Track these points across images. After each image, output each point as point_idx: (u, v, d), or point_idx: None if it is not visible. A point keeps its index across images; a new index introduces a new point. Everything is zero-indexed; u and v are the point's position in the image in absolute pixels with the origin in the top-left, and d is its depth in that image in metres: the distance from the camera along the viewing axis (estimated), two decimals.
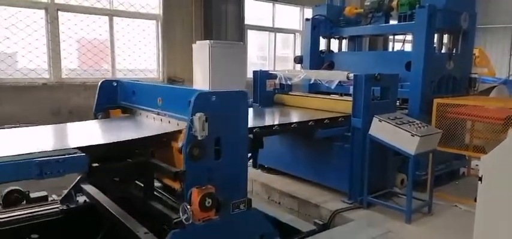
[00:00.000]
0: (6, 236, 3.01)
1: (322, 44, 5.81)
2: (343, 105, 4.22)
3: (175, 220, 2.42)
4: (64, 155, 2.09)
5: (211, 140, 2.47)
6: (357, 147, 3.88)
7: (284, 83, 4.91)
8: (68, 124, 3.35)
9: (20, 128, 3.16)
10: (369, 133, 3.74)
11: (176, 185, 2.56)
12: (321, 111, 4.30)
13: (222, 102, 2.54)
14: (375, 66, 4.48)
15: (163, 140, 2.67)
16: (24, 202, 3.48)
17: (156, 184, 2.99)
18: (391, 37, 5.99)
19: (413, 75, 4.42)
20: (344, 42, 5.87)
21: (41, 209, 3.31)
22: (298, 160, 4.56)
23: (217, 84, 7.22)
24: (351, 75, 3.94)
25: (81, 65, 7.29)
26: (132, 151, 2.69)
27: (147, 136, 2.69)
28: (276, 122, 3.88)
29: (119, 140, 2.56)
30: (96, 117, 3.46)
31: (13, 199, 3.45)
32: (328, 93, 5.09)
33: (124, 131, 2.99)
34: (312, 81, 4.86)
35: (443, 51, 5.09)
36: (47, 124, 3.35)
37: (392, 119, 3.68)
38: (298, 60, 5.96)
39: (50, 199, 3.67)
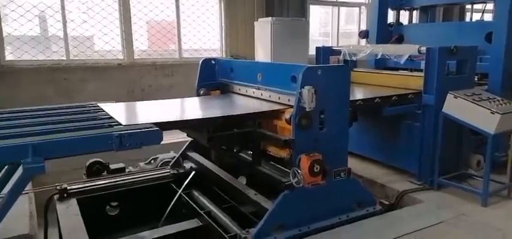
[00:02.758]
0: (89, 204, 3.32)
1: (391, 16, 5.51)
2: (413, 81, 4.00)
3: (286, 183, 2.62)
4: (141, 128, 2.24)
5: (316, 111, 2.66)
6: (428, 125, 3.66)
7: (348, 59, 4.74)
8: (188, 98, 3.75)
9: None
10: (443, 110, 3.51)
11: (283, 153, 2.79)
12: (389, 87, 4.12)
13: (327, 76, 2.70)
14: (450, 39, 4.15)
15: (271, 112, 2.94)
16: (105, 172, 3.84)
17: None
18: (468, 7, 5.52)
19: (495, 48, 4.04)
20: (415, 13, 5.51)
21: (120, 179, 3.62)
22: (363, 139, 4.43)
23: (278, 61, 7.22)
24: (423, 48, 3.69)
25: (151, 46, 7.69)
26: (243, 122, 2.99)
27: (265, 110, 2.99)
28: None
29: (242, 113, 2.95)
30: (198, 94, 3.80)
31: (95, 170, 3.82)
32: (397, 69, 4.84)
33: (234, 107, 3.35)
34: (378, 57, 4.63)
35: None
36: (123, 101, 3.62)
37: (469, 96, 3.41)
38: (364, 34, 5.71)
39: (127, 170, 4.00)
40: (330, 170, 2.71)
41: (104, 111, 2.85)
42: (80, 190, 3.38)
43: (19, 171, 2.01)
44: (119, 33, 7.16)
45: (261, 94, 3.31)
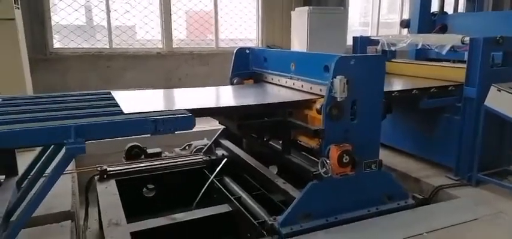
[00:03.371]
0: (127, 185, 3.50)
1: (435, 5, 5.28)
2: (454, 72, 3.82)
3: (314, 173, 2.64)
4: (175, 114, 2.32)
5: (348, 102, 2.63)
6: (468, 119, 3.50)
7: (387, 49, 4.61)
8: (221, 87, 3.80)
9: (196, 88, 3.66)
10: (485, 103, 3.34)
11: (313, 143, 2.79)
12: (428, 79, 3.97)
13: (360, 66, 2.65)
14: (499, 29, 3.89)
15: (302, 102, 2.94)
16: (143, 156, 4.01)
17: None
18: None
19: None
20: (461, 2, 5.24)
21: (157, 163, 3.77)
22: (398, 131, 4.31)
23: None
24: (467, 39, 3.51)
25: (189, 35, 7.86)
26: (274, 111, 3.04)
27: (295, 99, 2.98)
28: None
29: (273, 102, 2.99)
30: (231, 83, 3.84)
31: (134, 154, 4.00)
32: (439, 60, 4.64)
33: (265, 96, 3.37)
34: (419, 47, 4.47)
35: None
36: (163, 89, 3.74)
37: None
38: (405, 24, 5.52)
39: (163, 155, 4.16)
40: (359, 162, 2.67)
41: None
42: (119, 171, 3.57)
43: (62, 151, 2.14)
44: (159, 23, 7.37)
45: (293, 84, 3.31)
